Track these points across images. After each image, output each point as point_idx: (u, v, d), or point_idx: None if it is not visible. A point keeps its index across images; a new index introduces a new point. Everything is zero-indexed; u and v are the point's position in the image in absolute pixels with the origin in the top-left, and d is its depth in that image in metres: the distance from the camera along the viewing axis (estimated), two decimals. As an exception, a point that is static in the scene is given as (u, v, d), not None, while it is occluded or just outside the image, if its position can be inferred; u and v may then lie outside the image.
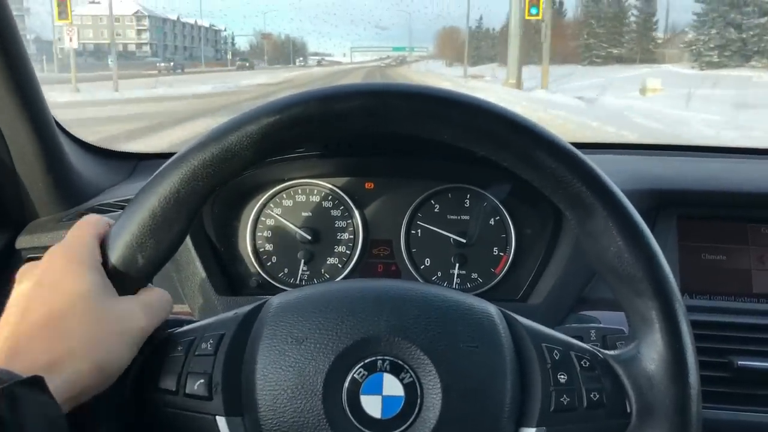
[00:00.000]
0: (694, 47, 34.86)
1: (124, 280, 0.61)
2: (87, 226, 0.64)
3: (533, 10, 20.82)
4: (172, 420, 0.60)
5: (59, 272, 0.59)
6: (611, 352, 0.65)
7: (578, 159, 0.61)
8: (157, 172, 0.62)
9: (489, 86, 25.06)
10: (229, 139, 0.60)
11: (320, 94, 0.61)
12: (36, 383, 0.49)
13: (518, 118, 0.61)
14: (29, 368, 0.50)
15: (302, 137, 0.62)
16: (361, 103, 0.60)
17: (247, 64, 64.43)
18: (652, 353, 0.60)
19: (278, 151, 0.62)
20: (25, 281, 0.60)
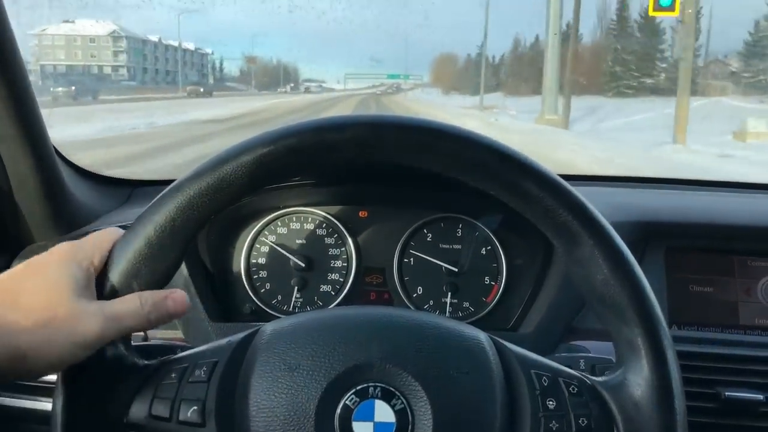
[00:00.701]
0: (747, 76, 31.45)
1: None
2: (99, 237, 0.65)
3: (664, 1, 14.61)
4: None
5: (49, 261, 0.62)
6: (599, 378, 0.66)
7: (564, 189, 0.63)
8: (153, 201, 0.63)
9: (530, 126, 18.47)
10: (224, 168, 0.61)
11: (313, 125, 0.62)
12: None
13: (506, 148, 0.63)
14: None
15: (296, 167, 0.63)
16: (353, 135, 0.62)
17: (202, 90, 50.39)
18: (639, 379, 0.62)
19: (273, 181, 0.64)
20: (23, 261, 0.63)
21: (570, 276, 0.67)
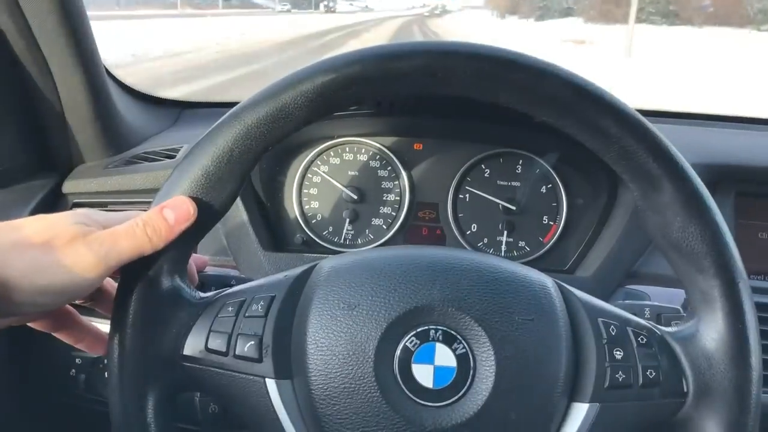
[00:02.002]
0: None
1: None
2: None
3: None
4: (221, 380, 0.60)
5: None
6: (669, 329, 0.63)
7: (646, 128, 0.59)
8: (209, 130, 0.60)
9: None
10: (283, 97, 0.58)
11: (379, 52, 0.59)
12: None
13: (585, 82, 0.59)
14: None
15: (358, 96, 0.60)
16: (422, 63, 0.58)
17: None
18: (712, 332, 0.59)
19: (333, 110, 0.61)
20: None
21: (643, 221, 0.63)
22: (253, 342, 0.59)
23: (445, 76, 0.59)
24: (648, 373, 0.59)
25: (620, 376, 0.59)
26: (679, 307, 0.80)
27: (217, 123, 0.60)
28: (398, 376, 0.57)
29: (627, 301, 0.83)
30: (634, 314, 0.68)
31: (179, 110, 1.55)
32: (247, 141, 0.59)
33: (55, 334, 0.68)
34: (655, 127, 0.59)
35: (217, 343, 0.60)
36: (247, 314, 0.61)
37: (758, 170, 1.09)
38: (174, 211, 0.59)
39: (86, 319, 0.69)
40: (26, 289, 0.54)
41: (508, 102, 0.60)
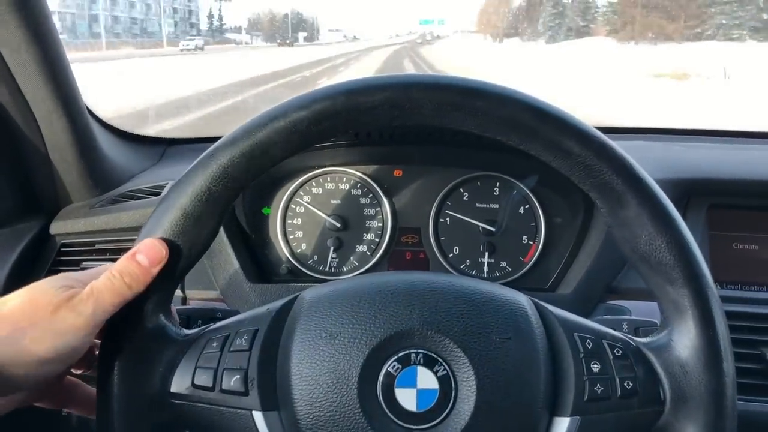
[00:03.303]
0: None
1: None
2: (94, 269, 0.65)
3: None
4: (209, 416, 0.61)
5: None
6: (644, 340, 0.65)
7: (608, 146, 0.61)
8: (187, 170, 0.62)
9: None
10: (258, 135, 0.60)
11: (346, 88, 0.61)
12: None
13: (546, 106, 0.61)
14: None
15: (330, 131, 0.62)
16: (387, 97, 0.60)
17: (193, 46, 39.74)
18: (685, 340, 0.61)
19: (307, 145, 0.62)
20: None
21: (613, 236, 0.65)
22: (238, 376, 0.60)
23: (411, 108, 0.61)
24: (625, 384, 0.61)
25: (599, 388, 0.60)
26: (655, 321, 0.82)
27: (194, 163, 0.62)
28: (382, 402, 0.58)
29: (605, 317, 0.85)
30: (613, 329, 0.70)
31: (164, 147, 1.56)
32: (224, 179, 0.61)
33: (67, 410, 0.69)
34: (618, 145, 0.61)
35: (204, 378, 0.61)
36: (231, 348, 0.62)
37: (730, 182, 1.12)
38: (146, 255, 0.60)
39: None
40: (21, 364, 0.56)
41: (473, 129, 0.62)
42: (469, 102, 0.60)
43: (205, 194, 0.61)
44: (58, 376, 0.66)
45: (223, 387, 0.61)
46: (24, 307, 0.57)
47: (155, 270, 0.61)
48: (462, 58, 34.41)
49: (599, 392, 0.60)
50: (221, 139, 0.62)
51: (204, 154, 0.62)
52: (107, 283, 0.59)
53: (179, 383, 0.62)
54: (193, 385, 0.61)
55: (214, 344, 0.63)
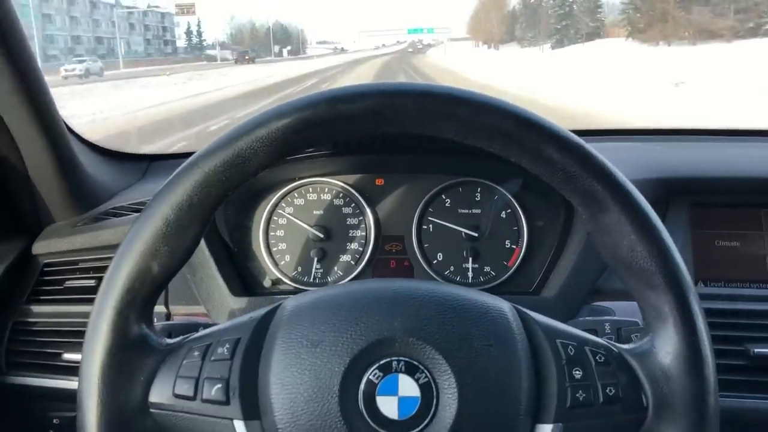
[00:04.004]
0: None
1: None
2: None
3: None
4: (190, 425, 0.61)
5: None
6: (626, 346, 0.65)
7: (588, 153, 0.61)
8: (169, 179, 0.62)
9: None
10: (239, 144, 0.60)
11: (328, 96, 0.61)
12: None
13: (526, 113, 0.61)
14: None
15: (312, 139, 0.62)
16: (369, 105, 0.61)
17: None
18: (667, 347, 0.61)
19: (289, 154, 0.63)
20: None
21: (594, 242, 0.65)
22: (220, 385, 0.60)
23: (393, 116, 0.61)
24: (608, 390, 0.61)
25: (581, 395, 0.60)
26: (637, 320, 0.82)
27: (176, 172, 0.62)
28: (363, 410, 0.58)
29: (587, 318, 0.85)
30: (595, 331, 0.70)
31: (147, 164, 1.56)
32: (206, 188, 0.61)
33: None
34: (597, 151, 0.62)
35: (185, 388, 0.61)
36: (213, 358, 0.62)
37: (710, 181, 1.13)
38: None
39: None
40: None
41: (455, 136, 0.62)
42: (452, 110, 0.61)
43: (187, 203, 0.61)
44: None
45: (204, 396, 0.61)
46: None
47: None
48: (475, 69, 28.35)
49: (581, 399, 0.60)
50: (202, 149, 0.62)
51: (185, 163, 0.62)
52: None
53: (160, 393, 0.62)
54: (174, 394, 0.61)
55: (196, 353, 0.63)
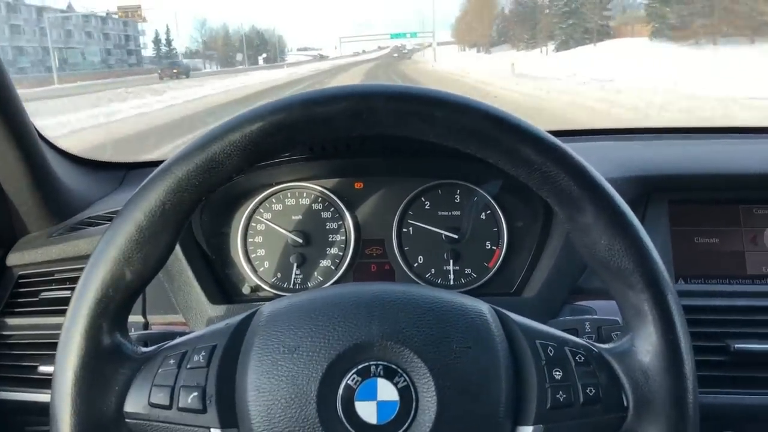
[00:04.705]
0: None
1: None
2: None
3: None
4: None
5: None
6: (606, 346, 0.65)
7: (564, 153, 0.61)
8: (141, 184, 0.61)
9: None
10: (212, 148, 0.60)
11: (302, 98, 0.61)
12: None
13: (503, 114, 0.61)
14: None
15: (287, 143, 0.62)
16: (345, 107, 0.60)
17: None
18: (647, 345, 0.61)
19: (264, 158, 0.62)
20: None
21: (573, 242, 0.65)
22: (196, 393, 0.60)
23: (370, 118, 0.61)
24: (588, 390, 0.60)
25: (561, 396, 0.60)
26: (617, 319, 0.82)
27: (148, 177, 0.61)
28: (342, 416, 0.57)
29: (567, 317, 0.85)
30: (576, 330, 0.70)
31: (124, 172, 1.54)
32: (178, 193, 0.60)
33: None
34: (574, 151, 0.62)
35: (160, 396, 0.60)
36: (189, 365, 0.61)
37: (688, 178, 1.13)
38: None
39: None
40: None
41: (433, 138, 0.62)
42: (428, 111, 0.61)
43: (160, 208, 0.60)
44: None
45: (181, 405, 0.60)
46: None
47: None
48: (488, 77, 24.18)
49: (562, 400, 0.60)
50: (175, 153, 0.61)
51: (158, 168, 0.61)
52: None
53: (135, 402, 0.61)
54: (150, 403, 0.60)
55: (171, 361, 0.62)
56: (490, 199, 1.17)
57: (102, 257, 0.61)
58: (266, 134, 0.60)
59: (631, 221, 0.61)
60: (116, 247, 0.61)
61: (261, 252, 1.19)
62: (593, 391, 0.61)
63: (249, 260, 1.18)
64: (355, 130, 0.62)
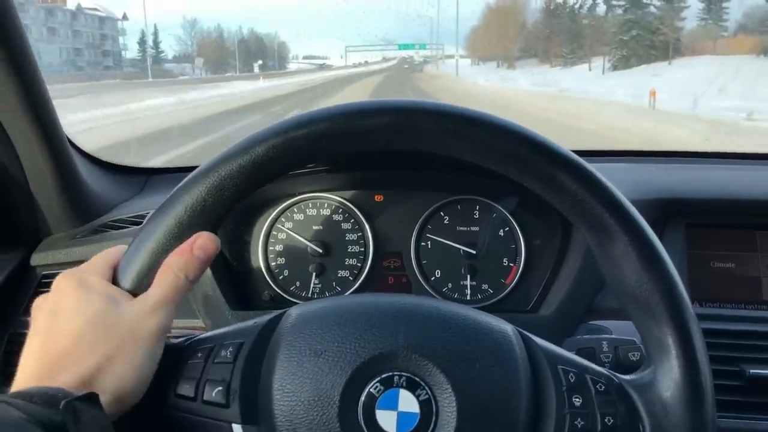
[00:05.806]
0: None
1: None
2: (99, 255, 0.66)
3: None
4: (189, 426, 0.61)
5: (69, 298, 0.61)
6: (627, 377, 0.65)
7: (600, 182, 0.62)
8: (183, 181, 0.63)
9: None
10: (256, 150, 0.61)
11: (345, 110, 0.62)
12: (90, 399, 0.51)
13: (540, 138, 0.62)
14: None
15: (327, 152, 0.63)
16: (386, 121, 0.62)
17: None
18: (668, 380, 0.61)
19: (301, 164, 0.64)
20: (39, 314, 0.61)
21: (600, 269, 0.66)
22: (221, 387, 0.60)
23: (410, 133, 0.62)
24: (606, 420, 0.60)
25: (579, 422, 0.60)
26: (634, 339, 0.82)
27: (191, 175, 0.63)
28: (362, 423, 0.58)
29: (585, 336, 0.85)
30: (593, 349, 0.70)
31: (146, 177, 1.56)
32: (220, 191, 0.62)
33: None
34: (609, 181, 0.62)
35: (186, 388, 0.61)
36: (216, 360, 0.62)
37: (706, 202, 1.13)
38: (203, 248, 0.63)
39: None
40: (131, 391, 0.58)
41: (470, 158, 0.63)
42: (469, 131, 0.62)
43: (201, 205, 0.62)
44: None
45: (205, 398, 0.61)
46: (105, 336, 0.58)
47: (209, 261, 0.64)
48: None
49: (580, 426, 0.60)
50: (220, 153, 0.63)
51: (201, 166, 0.63)
52: (173, 287, 0.62)
53: (161, 392, 0.62)
54: (176, 394, 0.61)
55: (199, 355, 0.63)
56: (508, 215, 1.18)
57: (141, 249, 0.63)
58: (308, 141, 0.62)
59: (661, 256, 0.61)
60: (155, 240, 0.62)
61: (281, 260, 1.20)
62: (611, 420, 0.61)
63: (269, 268, 1.20)
64: (394, 143, 0.63)
